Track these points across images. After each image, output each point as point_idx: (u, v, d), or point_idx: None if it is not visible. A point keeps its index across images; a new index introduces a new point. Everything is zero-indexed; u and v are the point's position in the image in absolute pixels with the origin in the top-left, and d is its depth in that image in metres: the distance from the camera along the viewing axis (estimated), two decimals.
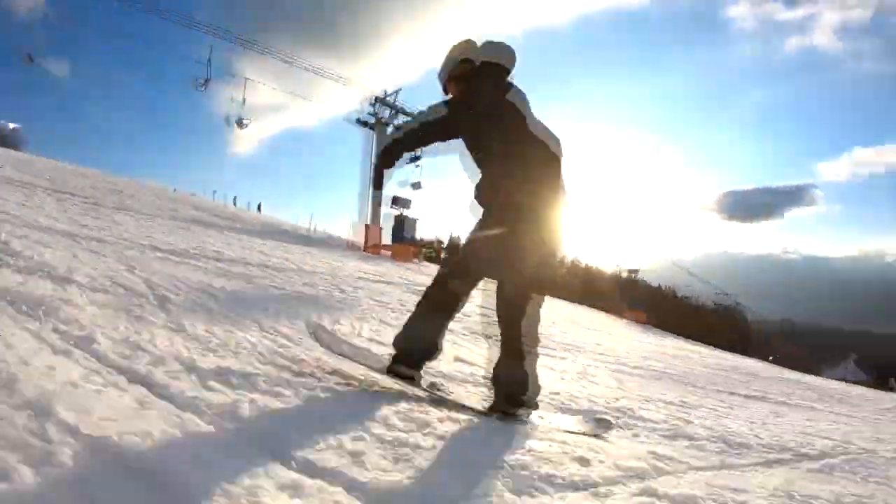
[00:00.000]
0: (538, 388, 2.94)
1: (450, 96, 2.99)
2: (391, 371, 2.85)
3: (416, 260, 21.72)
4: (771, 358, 61.91)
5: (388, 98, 24.69)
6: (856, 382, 54.31)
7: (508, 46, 2.94)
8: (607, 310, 28.76)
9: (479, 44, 2.97)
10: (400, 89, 24.65)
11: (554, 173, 2.83)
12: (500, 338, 2.90)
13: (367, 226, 22.14)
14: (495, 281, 2.92)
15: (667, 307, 55.53)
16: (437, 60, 3.08)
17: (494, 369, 2.92)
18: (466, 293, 2.91)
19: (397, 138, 3.01)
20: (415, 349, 2.89)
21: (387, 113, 24.76)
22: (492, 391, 2.96)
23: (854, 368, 66.82)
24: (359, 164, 25.43)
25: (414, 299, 3.59)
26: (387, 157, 3.01)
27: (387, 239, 23.65)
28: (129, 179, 19.16)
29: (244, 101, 24.46)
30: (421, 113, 2.96)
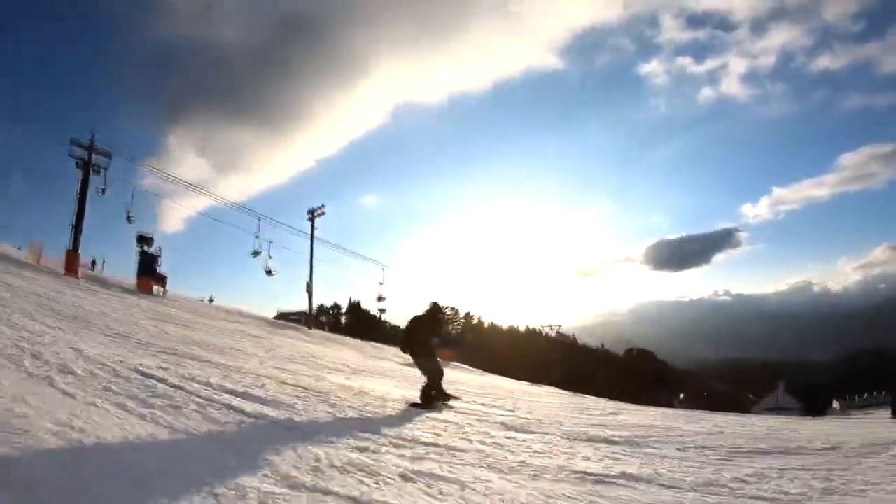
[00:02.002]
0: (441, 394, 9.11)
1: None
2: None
3: (157, 290, 26.25)
4: (682, 396, 60.77)
5: (84, 141, 26.18)
6: (786, 409, 53.33)
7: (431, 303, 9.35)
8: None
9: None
10: (94, 133, 26.50)
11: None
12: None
13: (68, 251, 24.86)
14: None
15: (574, 356, 55.80)
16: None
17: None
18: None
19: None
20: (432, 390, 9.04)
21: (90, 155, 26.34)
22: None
23: (784, 395, 65.82)
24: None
25: None
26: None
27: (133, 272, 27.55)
28: None
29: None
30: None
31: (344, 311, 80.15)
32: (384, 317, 61.80)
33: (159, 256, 28.46)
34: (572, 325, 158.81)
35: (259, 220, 32.45)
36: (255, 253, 32.30)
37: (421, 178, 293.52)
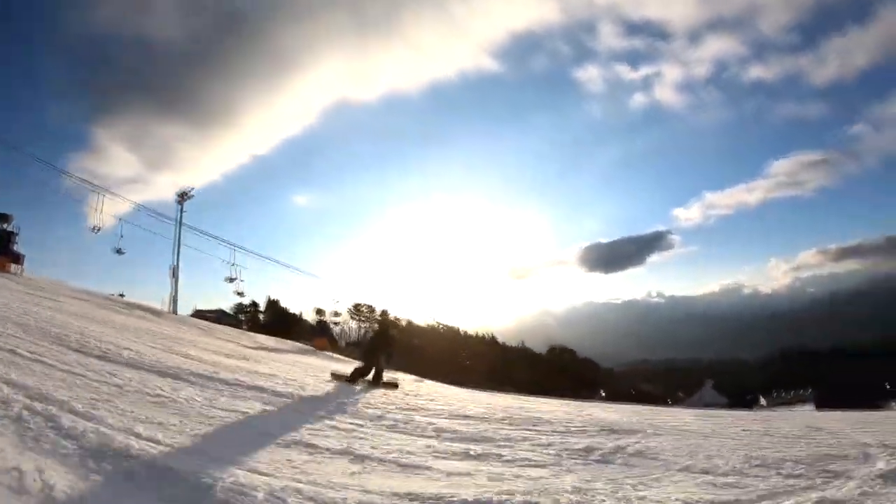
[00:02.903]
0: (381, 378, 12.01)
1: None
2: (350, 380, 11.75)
3: (15, 269, 25.61)
4: (603, 393, 59.51)
5: None
6: (711, 405, 52.30)
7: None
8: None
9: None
10: None
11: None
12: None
13: None
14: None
15: (495, 355, 54.89)
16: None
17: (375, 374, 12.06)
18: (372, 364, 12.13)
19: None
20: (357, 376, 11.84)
21: None
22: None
23: (712, 392, 65.75)
24: None
25: None
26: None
27: None
28: None
29: None
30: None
31: (263, 308, 76.86)
32: (304, 315, 63.54)
33: (15, 234, 28.11)
34: (506, 326, 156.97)
35: (102, 195, 30.90)
36: (96, 229, 32.68)
37: (356, 178, 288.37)
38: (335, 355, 30.54)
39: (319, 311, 55.16)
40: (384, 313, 14.91)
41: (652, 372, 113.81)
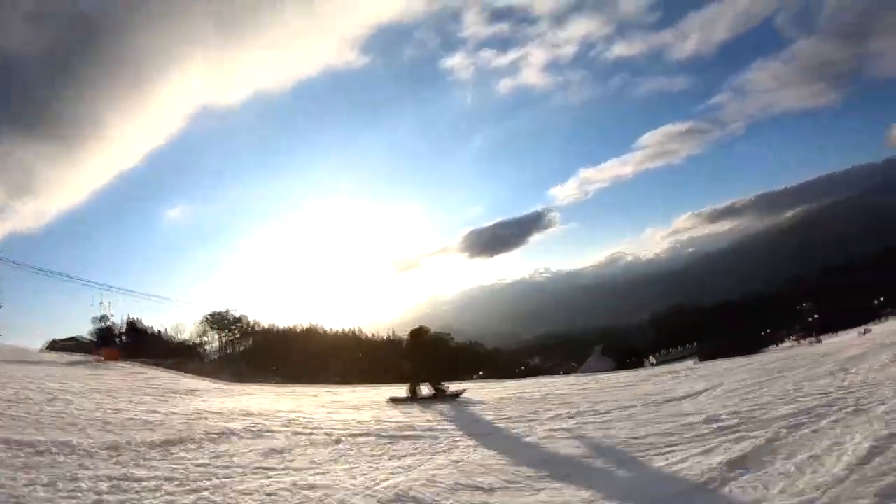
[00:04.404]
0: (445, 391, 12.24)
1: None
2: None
3: None
4: (481, 373, 57.19)
5: None
6: (599, 370, 50.63)
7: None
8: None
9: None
10: None
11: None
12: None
13: None
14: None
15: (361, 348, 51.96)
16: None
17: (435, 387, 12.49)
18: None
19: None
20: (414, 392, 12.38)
21: None
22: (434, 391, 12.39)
23: (601, 358, 64.81)
24: None
25: None
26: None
27: None
28: None
29: None
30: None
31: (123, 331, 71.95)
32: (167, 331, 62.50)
33: None
34: (398, 319, 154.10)
35: None
36: None
37: (226, 185, 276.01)
38: (123, 364, 25.72)
39: (102, 318, 51.06)
40: (419, 329, 13.65)
41: (546, 346, 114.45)
